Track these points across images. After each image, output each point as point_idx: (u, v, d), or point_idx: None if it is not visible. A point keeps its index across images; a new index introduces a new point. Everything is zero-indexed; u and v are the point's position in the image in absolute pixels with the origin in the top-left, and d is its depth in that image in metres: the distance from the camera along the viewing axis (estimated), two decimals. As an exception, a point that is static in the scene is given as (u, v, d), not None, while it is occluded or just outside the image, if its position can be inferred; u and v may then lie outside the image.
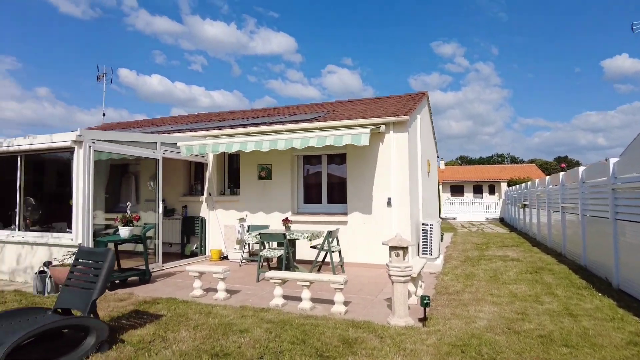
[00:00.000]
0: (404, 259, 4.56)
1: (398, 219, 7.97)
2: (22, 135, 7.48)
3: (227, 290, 5.87)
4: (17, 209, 7.52)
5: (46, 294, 6.02)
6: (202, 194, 9.99)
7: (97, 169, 6.88)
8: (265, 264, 8.08)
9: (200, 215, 9.77)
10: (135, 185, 10.56)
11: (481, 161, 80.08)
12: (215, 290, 5.91)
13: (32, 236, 7.19)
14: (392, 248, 4.58)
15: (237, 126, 9.85)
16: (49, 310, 3.94)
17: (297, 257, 8.23)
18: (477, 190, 40.38)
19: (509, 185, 31.21)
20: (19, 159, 7.37)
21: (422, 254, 8.45)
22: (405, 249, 4.56)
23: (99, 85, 16.65)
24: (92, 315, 3.66)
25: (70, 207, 9.71)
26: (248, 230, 8.74)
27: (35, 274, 6.14)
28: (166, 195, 9.91)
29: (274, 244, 7.58)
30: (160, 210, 8.10)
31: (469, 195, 38.48)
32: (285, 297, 5.40)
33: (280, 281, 5.32)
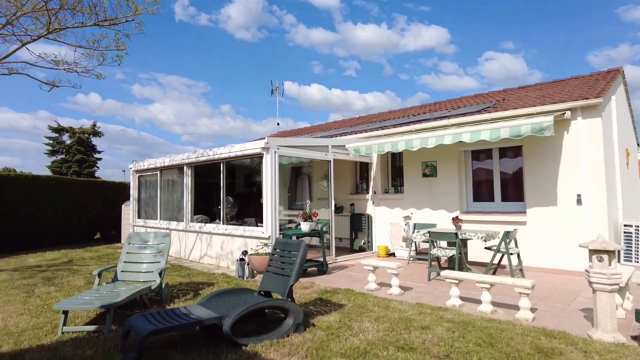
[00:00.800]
0: (610, 265, 3.94)
1: (591, 219, 6.91)
2: (213, 146, 8.97)
3: (400, 287, 5.97)
4: (221, 206, 8.96)
5: (245, 278, 7.05)
6: (368, 192, 10.35)
7: (280, 172, 7.76)
8: (434, 263, 7.93)
9: (367, 212, 10.15)
10: (308, 185, 11.56)
11: (699, 148, 63.28)
12: (388, 285, 6.07)
13: (231, 229, 8.51)
14: (593, 251, 4.01)
15: (400, 125, 9.91)
16: (254, 291, 4.62)
17: (468, 258, 7.85)
18: (695, 184, 32.12)
19: None
20: (221, 165, 8.81)
21: (625, 260, 7.15)
22: (610, 252, 3.94)
23: (268, 99, 18.91)
24: (289, 300, 4.15)
25: (256, 204, 11.10)
26: (414, 229, 8.71)
27: (237, 260, 7.26)
28: (335, 193, 10.57)
29: (443, 243, 7.39)
30: (333, 208, 8.69)
31: (682, 191, 30.89)
32: (460, 298, 5.22)
33: (456, 281, 5.16)
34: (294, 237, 7.19)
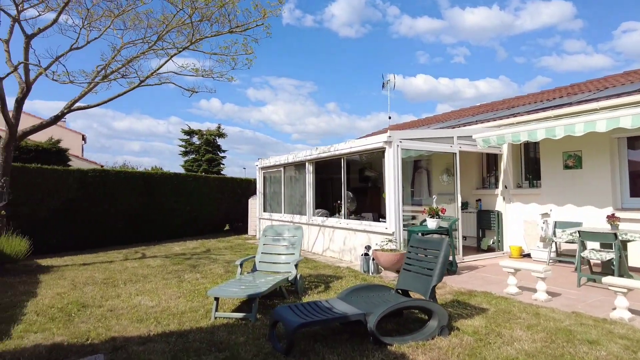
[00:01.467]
0: None
1: None
2: (322, 144, 9.11)
3: (546, 292, 5.34)
4: (342, 201, 9.05)
5: (370, 273, 7.00)
6: (496, 187, 9.56)
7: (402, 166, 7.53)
8: (583, 267, 6.99)
9: (496, 209, 9.37)
10: (427, 180, 11.12)
11: None
12: (530, 290, 5.49)
13: (354, 223, 8.53)
14: None
15: (535, 111, 8.93)
16: (391, 289, 4.50)
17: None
18: None
19: None
20: (342, 160, 8.88)
21: None
22: None
23: (371, 94, 18.83)
24: (432, 300, 3.94)
25: (371, 199, 10.95)
26: (554, 227, 7.78)
27: (361, 255, 7.25)
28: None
29: (592, 244, 6.46)
30: (459, 204, 8.20)
31: None
32: (629, 310, 4.46)
33: (625, 290, 4.42)
34: (419, 234, 6.92)
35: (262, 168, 12.82)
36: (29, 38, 7.13)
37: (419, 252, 4.39)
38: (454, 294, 5.45)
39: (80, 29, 7.93)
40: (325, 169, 11.45)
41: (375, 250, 7.05)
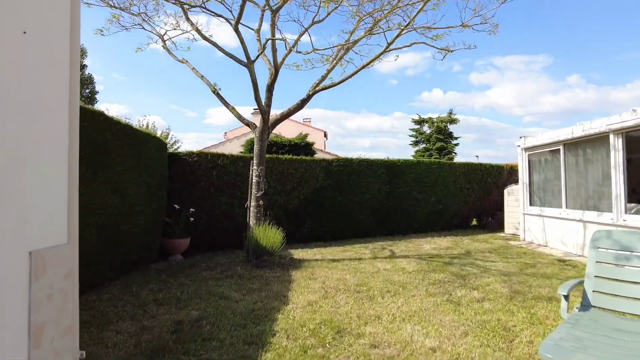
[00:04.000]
0: None
1: None
2: (563, 125, 5.70)
3: None
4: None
5: None
6: None
7: None
8: None
9: None
10: None
11: None
12: None
13: None
14: None
15: None
16: None
17: None
18: None
19: None
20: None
21: None
22: None
23: (628, 57, 12.74)
24: None
25: None
26: None
27: None
28: None
29: None
30: None
31: None
32: None
33: None
34: None
35: (527, 149, 10.01)
36: (274, 13, 6.73)
37: None
38: None
39: (320, 1, 7.18)
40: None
41: None
